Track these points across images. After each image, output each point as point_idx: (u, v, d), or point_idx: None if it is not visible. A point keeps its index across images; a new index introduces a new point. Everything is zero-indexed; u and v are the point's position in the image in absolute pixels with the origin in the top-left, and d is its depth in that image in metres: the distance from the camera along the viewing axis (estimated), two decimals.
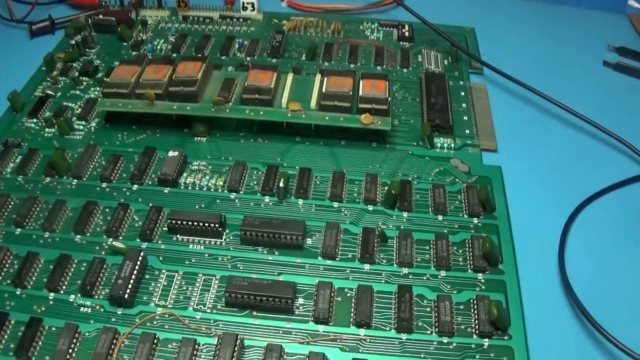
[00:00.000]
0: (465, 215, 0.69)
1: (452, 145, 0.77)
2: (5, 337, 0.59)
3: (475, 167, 0.74)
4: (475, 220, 0.69)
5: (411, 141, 0.77)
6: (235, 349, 0.57)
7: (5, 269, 0.65)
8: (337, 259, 0.65)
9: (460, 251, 0.66)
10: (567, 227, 0.69)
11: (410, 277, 0.64)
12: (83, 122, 0.80)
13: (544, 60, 0.93)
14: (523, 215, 0.71)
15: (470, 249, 0.66)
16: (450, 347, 0.59)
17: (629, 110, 0.85)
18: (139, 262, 0.62)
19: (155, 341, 0.59)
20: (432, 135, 0.76)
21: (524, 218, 0.70)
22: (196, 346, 0.58)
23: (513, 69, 0.87)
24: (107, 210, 0.69)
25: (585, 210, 0.72)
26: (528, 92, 0.85)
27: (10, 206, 0.70)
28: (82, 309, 0.62)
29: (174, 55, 0.91)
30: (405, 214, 0.69)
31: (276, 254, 0.65)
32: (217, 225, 0.65)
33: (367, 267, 0.64)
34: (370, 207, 0.69)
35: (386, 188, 0.70)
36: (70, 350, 0.58)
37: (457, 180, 0.73)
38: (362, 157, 0.75)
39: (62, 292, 0.63)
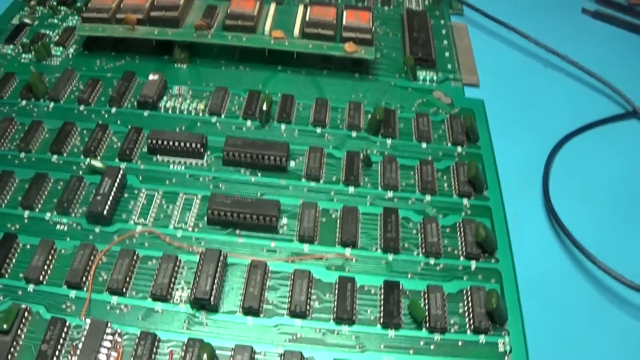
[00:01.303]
0: (449, 144, 0.66)
1: (435, 78, 0.73)
2: None
3: (457, 100, 0.71)
4: (459, 148, 0.66)
5: (393, 73, 0.74)
6: (219, 265, 0.53)
7: None
8: (321, 181, 0.61)
9: (444, 177, 0.63)
10: (550, 159, 0.67)
11: (395, 200, 0.61)
12: (61, 48, 0.75)
13: (523, 7, 0.90)
14: (506, 147, 0.68)
15: (455, 175, 0.63)
16: (437, 268, 0.56)
17: (607, 56, 0.82)
18: (118, 180, 0.59)
19: (135, 258, 0.55)
20: (415, 67, 0.72)
21: (507, 150, 0.67)
22: (178, 262, 0.54)
23: (493, 12, 0.84)
24: (84, 132, 0.65)
25: (567, 145, 0.69)
26: (509, 32, 0.83)
27: None
28: (58, 226, 0.58)
29: None
30: (389, 141, 0.66)
31: (259, 175, 0.62)
32: (198, 146, 0.61)
33: (351, 189, 0.61)
34: (354, 134, 0.66)
35: (369, 115, 0.65)
36: (45, 267, 0.54)
37: (440, 111, 0.69)
38: (344, 87, 0.72)
39: (37, 210, 0.59)
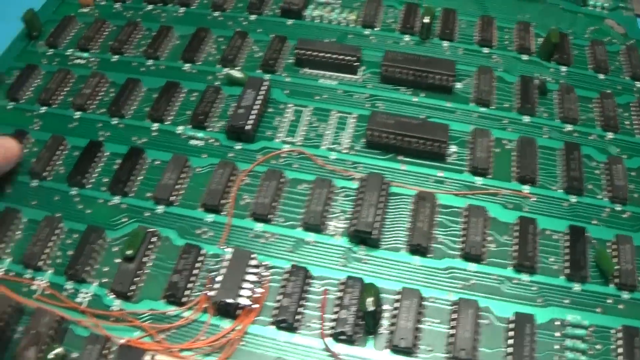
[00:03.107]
0: (627, 77, 0.54)
1: (606, 5, 0.61)
2: (98, 169, 0.46)
3: (632, 31, 0.59)
4: (638, 84, 0.54)
5: None
6: (382, 193, 0.41)
7: (99, 97, 0.50)
8: (492, 106, 0.50)
9: (625, 114, 0.51)
10: None
11: (574, 135, 0.49)
12: None
13: None
14: None
15: (639, 114, 0.51)
16: (624, 215, 0.45)
17: None
18: (262, 92, 0.47)
19: (282, 180, 0.44)
20: None
21: None
22: (332, 188, 0.43)
23: None
24: (220, 39, 0.56)
25: None
26: None
27: (105, 32, 0.55)
28: (191, 141, 0.48)
29: None
30: (563, 68, 0.54)
31: (422, 95, 0.50)
32: (353, 59, 0.50)
33: (526, 119, 0.50)
34: (525, 57, 0.54)
35: (540, 39, 0.54)
36: (177, 186, 0.43)
37: (613, 40, 0.57)
38: (509, 6, 0.60)
39: (167, 122, 0.49)
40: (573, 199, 0.46)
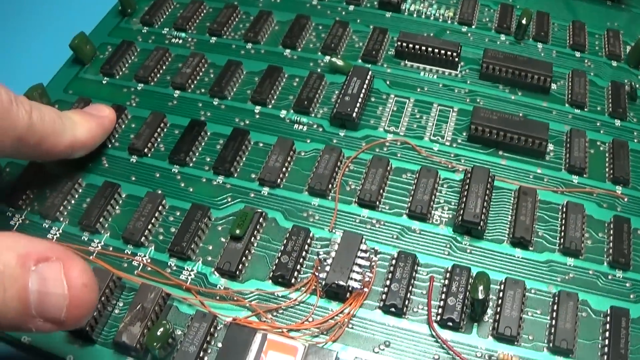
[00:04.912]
0: None
1: None
2: (200, 149, 0.46)
3: None
4: None
5: None
6: (487, 187, 0.42)
7: (199, 77, 0.50)
8: (585, 109, 0.50)
9: None
10: None
11: None
12: None
13: None
14: None
15: None
16: None
17: None
18: (367, 81, 0.48)
19: (389, 168, 0.44)
20: None
21: None
22: (438, 180, 0.43)
23: None
24: (320, 27, 0.55)
25: None
26: None
27: (203, 13, 0.55)
28: (295, 126, 0.48)
29: None
30: None
31: (519, 94, 0.51)
32: (454, 54, 0.50)
33: (617, 122, 0.50)
34: (614, 63, 0.54)
35: (628, 47, 0.54)
36: (284, 169, 0.44)
37: None
38: (597, 13, 0.60)
39: (270, 106, 0.49)
40: None
